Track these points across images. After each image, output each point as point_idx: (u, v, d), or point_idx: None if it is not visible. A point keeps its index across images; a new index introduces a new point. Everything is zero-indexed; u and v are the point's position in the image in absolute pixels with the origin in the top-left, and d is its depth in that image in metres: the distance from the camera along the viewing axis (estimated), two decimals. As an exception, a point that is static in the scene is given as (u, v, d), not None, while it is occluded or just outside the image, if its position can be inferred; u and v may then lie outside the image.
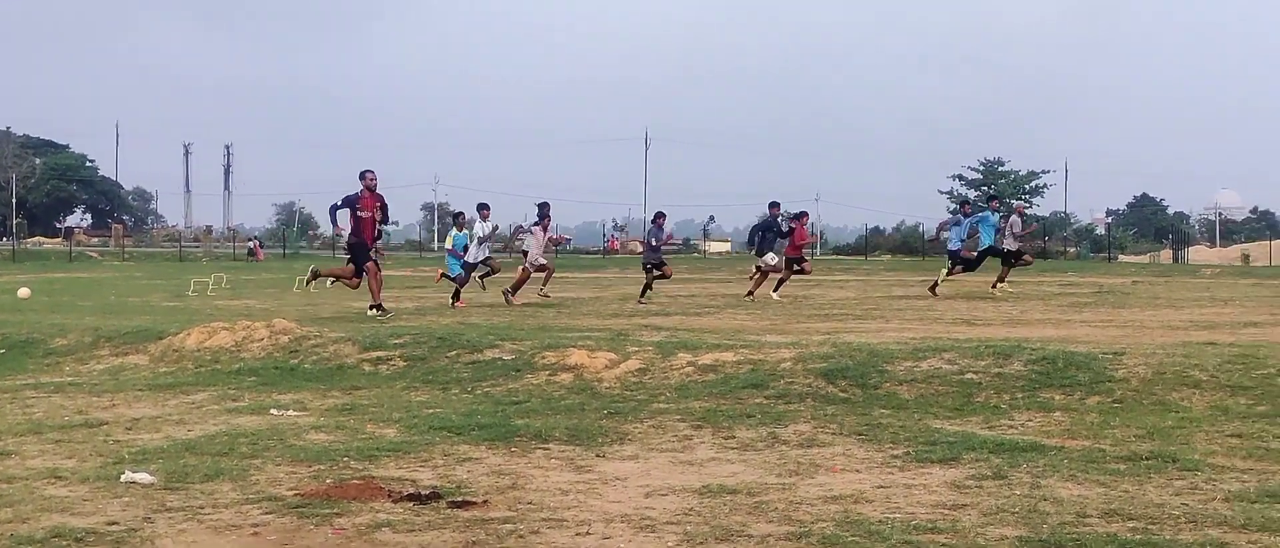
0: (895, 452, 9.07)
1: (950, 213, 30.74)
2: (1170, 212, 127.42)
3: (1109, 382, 11.53)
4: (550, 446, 9.45)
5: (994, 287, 28.27)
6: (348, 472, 8.40)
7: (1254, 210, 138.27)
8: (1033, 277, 39.13)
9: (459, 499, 7.49)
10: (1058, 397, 11.30)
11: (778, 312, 22.00)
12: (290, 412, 11.24)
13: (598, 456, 9.09)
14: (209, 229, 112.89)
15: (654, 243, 26.92)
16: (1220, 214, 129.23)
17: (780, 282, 26.72)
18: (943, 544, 6.37)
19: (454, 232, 26.14)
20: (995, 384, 11.72)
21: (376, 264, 21.09)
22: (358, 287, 21.61)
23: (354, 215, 20.58)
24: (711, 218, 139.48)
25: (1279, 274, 50.33)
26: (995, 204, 31.49)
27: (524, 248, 25.53)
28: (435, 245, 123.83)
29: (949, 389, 11.67)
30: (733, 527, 6.80)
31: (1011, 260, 28.76)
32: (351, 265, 21.10)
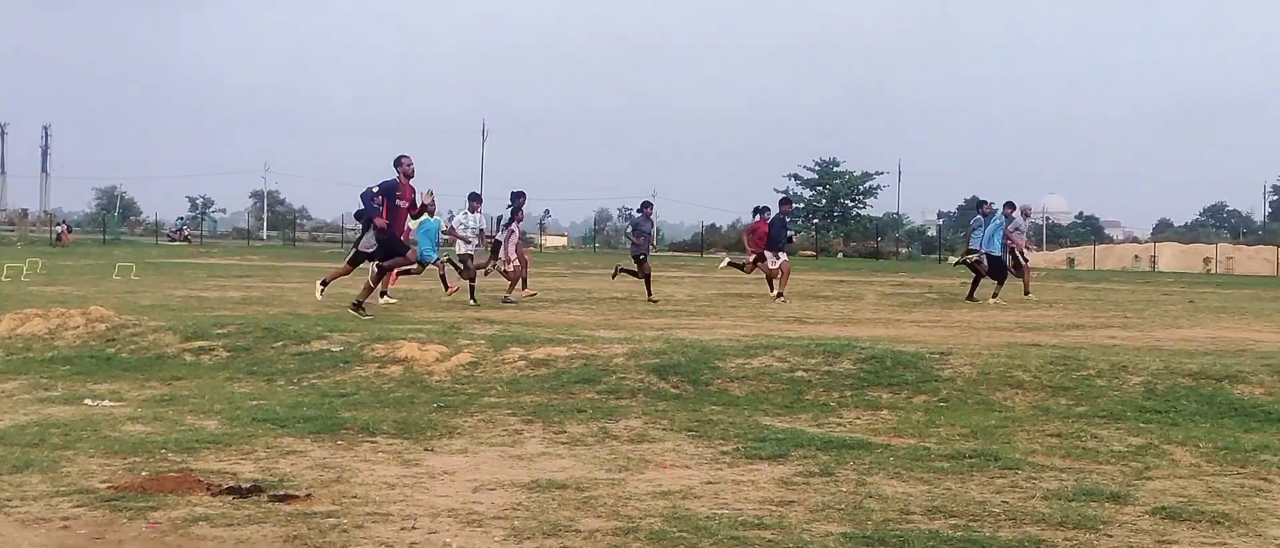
0: (725, 448, 9.08)
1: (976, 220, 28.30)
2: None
3: (935, 381, 11.72)
4: (377, 439, 9.28)
5: (994, 297, 26.60)
6: (165, 464, 8.13)
7: (1079, 215, 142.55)
8: (864, 277, 39.74)
9: (281, 493, 7.29)
10: (885, 395, 11.44)
11: (646, 311, 21.84)
12: (105, 402, 10.88)
13: (426, 449, 8.94)
14: (25, 212, 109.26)
15: (642, 234, 26.25)
16: (1047, 218, 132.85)
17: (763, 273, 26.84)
18: (769, 541, 6.37)
19: (462, 215, 24.32)
20: (825, 382, 11.83)
21: (397, 262, 19.41)
22: (422, 272, 21.79)
23: (390, 205, 18.58)
24: (547, 211, 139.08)
25: (1103, 278, 51.96)
26: (1010, 208, 28.41)
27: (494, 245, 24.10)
28: (265, 234, 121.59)
29: (779, 387, 11.75)
30: (561, 522, 6.72)
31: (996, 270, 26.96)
32: (391, 260, 18.98)
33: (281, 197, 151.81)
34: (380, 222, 18.27)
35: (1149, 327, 19.30)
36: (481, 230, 24.17)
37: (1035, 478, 8.09)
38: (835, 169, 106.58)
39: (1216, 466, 8.67)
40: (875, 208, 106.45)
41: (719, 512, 7.02)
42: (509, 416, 10.38)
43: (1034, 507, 7.21)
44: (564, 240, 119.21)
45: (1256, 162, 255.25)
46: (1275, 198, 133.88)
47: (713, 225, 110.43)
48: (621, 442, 9.36)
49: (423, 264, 23.05)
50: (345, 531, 6.48)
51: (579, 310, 21.17)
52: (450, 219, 24.63)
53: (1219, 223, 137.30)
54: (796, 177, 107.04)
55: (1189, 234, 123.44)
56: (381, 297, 20.54)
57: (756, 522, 6.77)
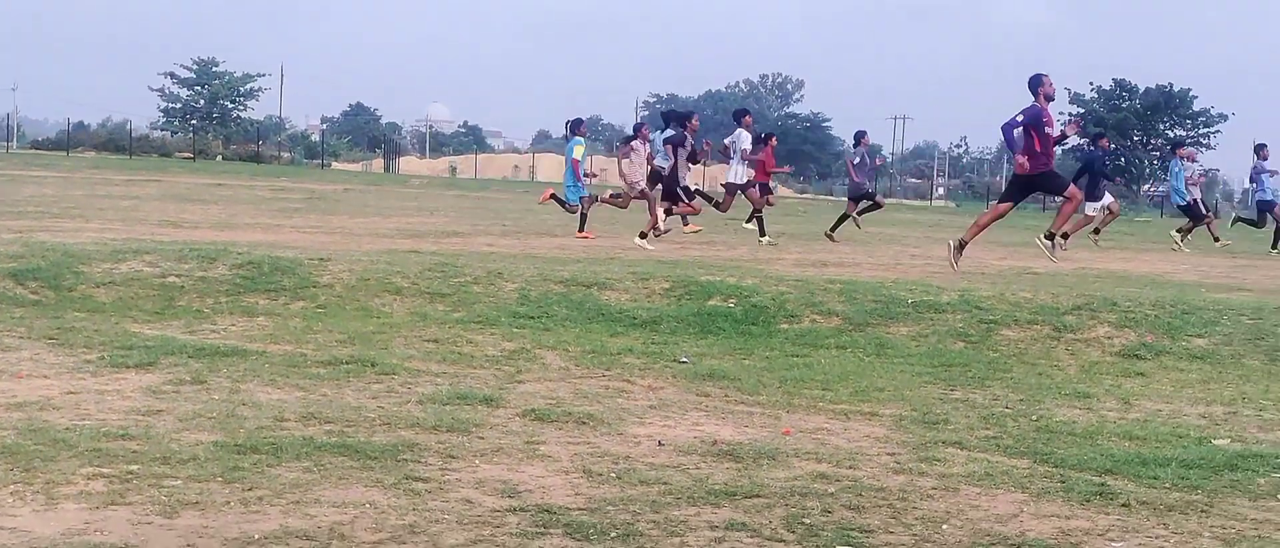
0: (88, 357, 8.53)
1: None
2: (383, 122, 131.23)
3: (314, 287, 11.56)
4: None
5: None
6: None
7: (464, 124, 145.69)
8: (244, 180, 38.72)
9: None
10: (262, 301, 11.17)
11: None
12: None
13: None
14: None
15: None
16: (431, 127, 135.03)
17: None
18: (134, 452, 6.01)
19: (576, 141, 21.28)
20: (199, 288, 11.39)
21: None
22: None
23: (1036, 136, 14.72)
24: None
25: (485, 186, 53.41)
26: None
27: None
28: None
29: (150, 293, 11.20)
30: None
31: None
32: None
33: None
34: (1022, 160, 14.81)
35: (526, 235, 19.97)
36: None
37: (411, 383, 8.12)
38: (215, 70, 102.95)
39: (584, 368, 9.04)
40: (256, 111, 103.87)
41: (80, 423, 6.56)
42: None
43: (409, 411, 7.23)
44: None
45: (629, 76, 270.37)
46: (646, 112, 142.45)
47: (81, 123, 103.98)
48: (-30, 352, 8.58)
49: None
50: None
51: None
52: None
53: (594, 135, 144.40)
54: (172, 75, 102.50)
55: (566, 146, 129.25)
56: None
57: (121, 432, 6.37)
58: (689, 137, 19.14)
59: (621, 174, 20.28)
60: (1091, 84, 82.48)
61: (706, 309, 11.29)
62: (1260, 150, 24.90)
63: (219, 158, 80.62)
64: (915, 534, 5.25)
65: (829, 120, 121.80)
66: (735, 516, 5.41)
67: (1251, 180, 25.89)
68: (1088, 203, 21.24)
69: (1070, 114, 79.89)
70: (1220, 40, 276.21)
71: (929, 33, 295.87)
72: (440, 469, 6.00)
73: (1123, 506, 5.77)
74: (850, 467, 6.38)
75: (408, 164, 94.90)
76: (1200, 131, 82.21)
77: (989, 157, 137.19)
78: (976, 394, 8.60)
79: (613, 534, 5.08)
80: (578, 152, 20.56)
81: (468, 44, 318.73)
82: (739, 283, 12.01)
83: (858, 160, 22.89)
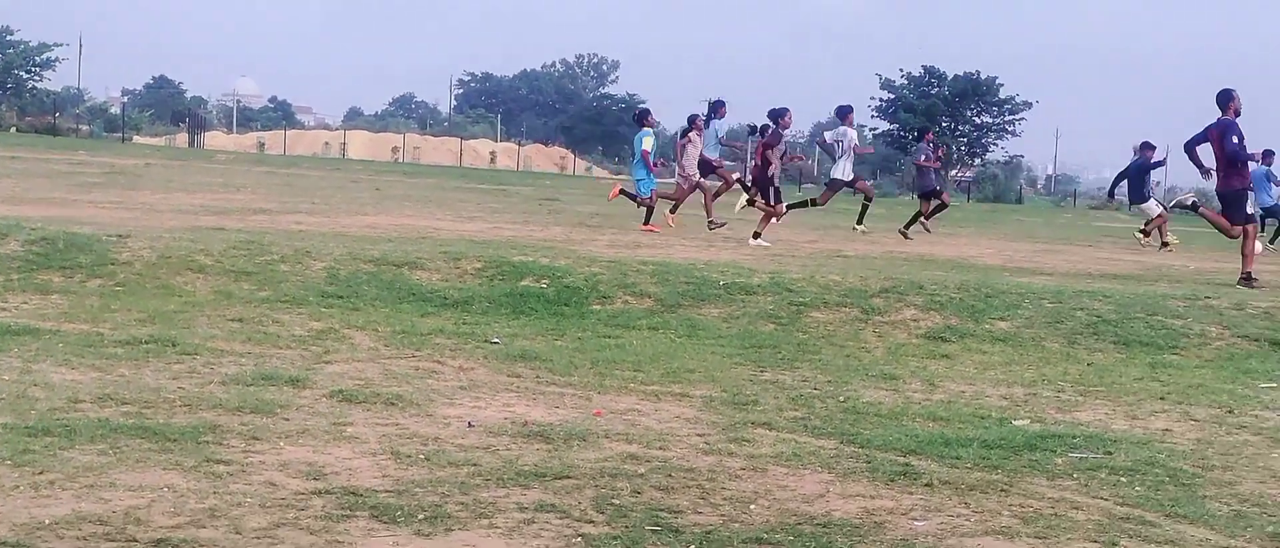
0: None
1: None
2: (188, 96, 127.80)
3: (112, 264, 11.19)
4: None
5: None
6: None
7: (272, 99, 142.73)
8: (40, 153, 37.41)
9: None
10: (57, 279, 10.77)
11: None
12: None
13: None
14: None
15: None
16: (238, 101, 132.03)
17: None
18: (-87, 438, 5.73)
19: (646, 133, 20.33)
20: (-10, 263, 10.94)
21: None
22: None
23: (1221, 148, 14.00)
24: None
25: (293, 163, 52.43)
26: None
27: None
28: None
29: (-63, 268, 10.72)
30: None
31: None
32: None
33: None
34: (1206, 172, 14.48)
35: (335, 213, 19.62)
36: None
37: (214, 363, 7.91)
38: (9, 38, 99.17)
39: (394, 349, 8.91)
40: (53, 81, 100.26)
41: None
42: None
43: (211, 392, 7.03)
44: None
45: (445, 56, 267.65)
46: (461, 91, 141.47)
47: None
48: None
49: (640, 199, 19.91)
50: None
51: None
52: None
53: (407, 114, 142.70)
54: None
55: (379, 123, 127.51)
56: None
57: (-101, 417, 6.07)
58: (784, 133, 19.01)
59: (680, 166, 20.33)
60: (902, 71, 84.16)
61: (519, 290, 11.22)
62: (1268, 156, 25.43)
63: (13, 130, 77.56)
64: (723, 515, 5.27)
65: (644, 102, 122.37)
66: (545, 497, 5.37)
67: (1257, 185, 26.60)
68: (1145, 204, 22.40)
69: (882, 99, 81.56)
70: (1026, 29, 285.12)
71: (744, 16, 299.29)
72: (243, 452, 5.85)
73: (926, 485, 5.87)
74: (660, 448, 6.39)
75: (213, 139, 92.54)
76: (1006, 119, 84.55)
77: (801, 139, 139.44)
78: (786, 375, 8.69)
79: (420, 516, 5.00)
80: (648, 143, 20.11)
81: (277, 17, 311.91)
82: (552, 264, 11.97)
83: (924, 158, 22.54)
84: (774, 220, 17.76)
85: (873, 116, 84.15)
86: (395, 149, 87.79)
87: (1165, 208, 21.38)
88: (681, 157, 20.33)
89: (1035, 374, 9.18)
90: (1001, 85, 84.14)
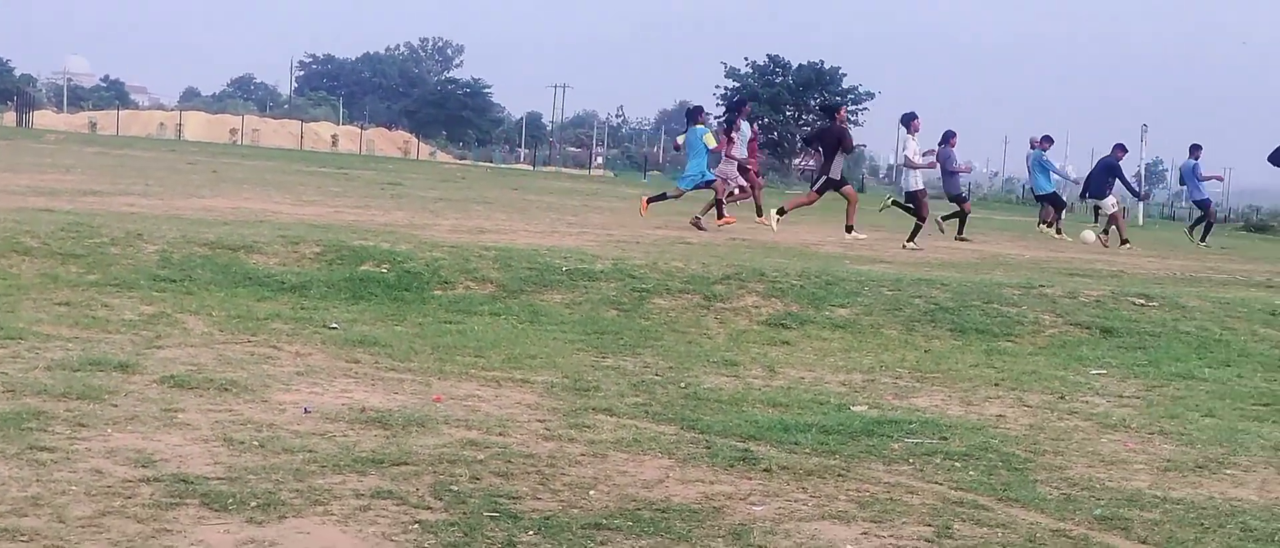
0: None
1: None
2: (17, 74, 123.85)
3: (-68, 245, 10.77)
4: None
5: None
6: None
7: (105, 78, 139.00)
8: None
9: None
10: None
11: None
12: None
13: None
14: None
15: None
16: (69, 80, 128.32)
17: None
18: None
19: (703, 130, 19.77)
20: None
21: None
22: None
23: None
24: None
25: (127, 144, 51.15)
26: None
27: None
28: None
29: None
30: None
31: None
32: None
33: None
34: None
35: (170, 195, 19.16)
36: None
37: (39, 348, 7.65)
38: None
39: (229, 334, 8.72)
40: None
41: None
42: None
43: (36, 378, 6.80)
44: None
45: (285, 36, 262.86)
46: (302, 73, 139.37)
47: None
48: None
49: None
50: None
51: None
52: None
53: (247, 95, 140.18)
54: None
55: (216, 104, 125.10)
56: None
57: None
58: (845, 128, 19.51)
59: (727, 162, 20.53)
60: (747, 59, 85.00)
61: (358, 275, 11.06)
62: (1195, 151, 25.92)
63: None
64: (563, 500, 5.25)
65: (489, 87, 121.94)
66: (382, 483, 5.29)
67: (1182, 182, 27.03)
68: (1103, 200, 23.26)
69: (727, 88, 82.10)
70: (868, 20, 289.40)
71: (588, 1, 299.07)
72: (68, 438, 5.66)
73: (764, 471, 5.91)
74: (500, 434, 6.34)
75: (43, 119, 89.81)
76: (849, 108, 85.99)
77: (647, 127, 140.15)
78: (628, 361, 8.70)
79: (252, 504, 4.89)
80: (709, 139, 19.75)
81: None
82: (393, 249, 11.83)
83: (954, 166, 22.08)
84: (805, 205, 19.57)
85: (718, 105, 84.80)
86: (233, 131, 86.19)
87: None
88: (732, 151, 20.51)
89: (874, 361, 9.31)
90: (845, 75, 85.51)
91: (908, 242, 18.01)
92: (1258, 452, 6.93)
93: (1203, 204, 26.42)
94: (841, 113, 20.61)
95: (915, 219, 18.85)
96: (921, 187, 19.65)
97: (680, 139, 20.36)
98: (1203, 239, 25.70)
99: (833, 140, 18.73)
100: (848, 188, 19.35)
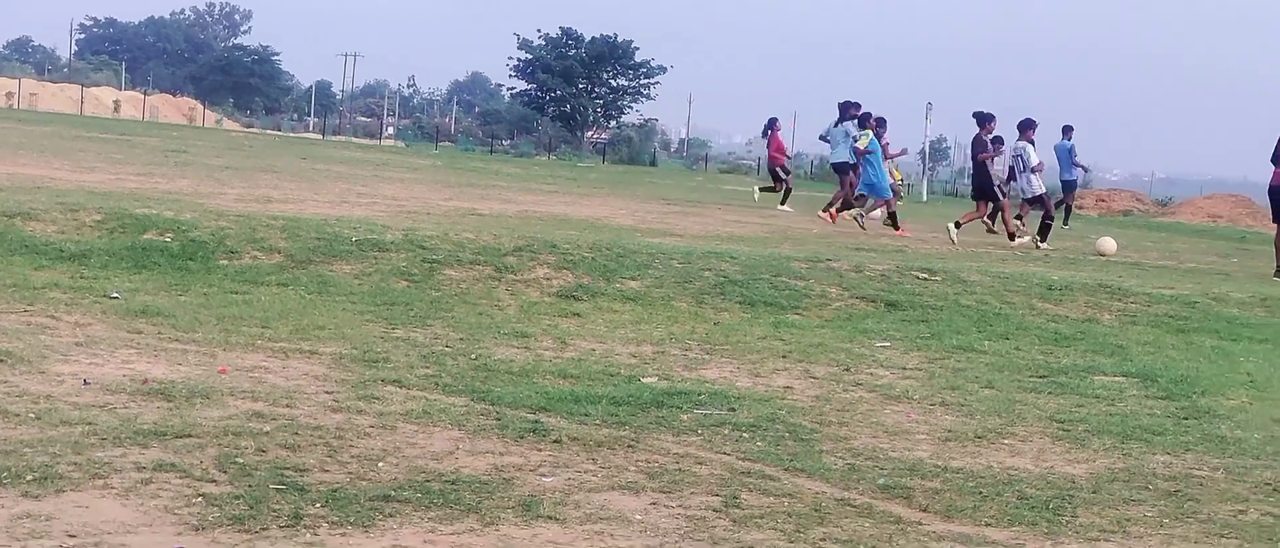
0: None
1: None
2: None
3: None
4: None
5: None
6: None
7: None
8: None
9: None
10: None
11: None
12: None
13: None
14: None
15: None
16: None
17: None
18: None
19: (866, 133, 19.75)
20: None
21: None
22: None
23: None
24: None
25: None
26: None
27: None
28: None
29: None
30: None
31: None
32: None
33: None
34: None
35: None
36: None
37: None
38: None
39: (3, 303, 8.41)
40: None
41: None
42: None
43: None
44: None
45: (61, 3, 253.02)
46: (82, 36, 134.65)
47: None
48: None
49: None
50: None
51: None
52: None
53: (24, 58, 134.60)
54: None
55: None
56: None
57: None
58: (985, 139, 19.49)
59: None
60: (540, 31, 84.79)
61: (141, 243, 10.76)
62: (1067, 131, 26.39)
63: None
64: (351, 472, 5.21)
65: (278, 54, 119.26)
66: (164, 456, 5.18)
67: (1058, 161, 27.22)
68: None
69: (520, 59, 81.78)
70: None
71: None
72: None
73: (555, 442, 5.95)
74: (287, 405, 6.26)
75: None
76: (641, 82, 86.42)
77: (438, 98, 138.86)
78: (418, 333, 8.65)
79: (29, 477, 4.75)
80: (864, 142, 19.47)
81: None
82: (177, 217, 11.53)
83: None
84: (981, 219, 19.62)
85: (511, 76, 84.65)
86: (10, 95, 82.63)
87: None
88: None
89: (664, 333, 9.42)
90: (638, 49, 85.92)
91: (1039, 242, 18.28)
92: (1034, 422, 7.22)
93: (1069, 185, 27.13)
94: (989, 126, 19.93)
95: (1042, 218, 19.09)
96: (1040, 191, 19.24)
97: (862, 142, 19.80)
98: (1065, 222, 26.20)
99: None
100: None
